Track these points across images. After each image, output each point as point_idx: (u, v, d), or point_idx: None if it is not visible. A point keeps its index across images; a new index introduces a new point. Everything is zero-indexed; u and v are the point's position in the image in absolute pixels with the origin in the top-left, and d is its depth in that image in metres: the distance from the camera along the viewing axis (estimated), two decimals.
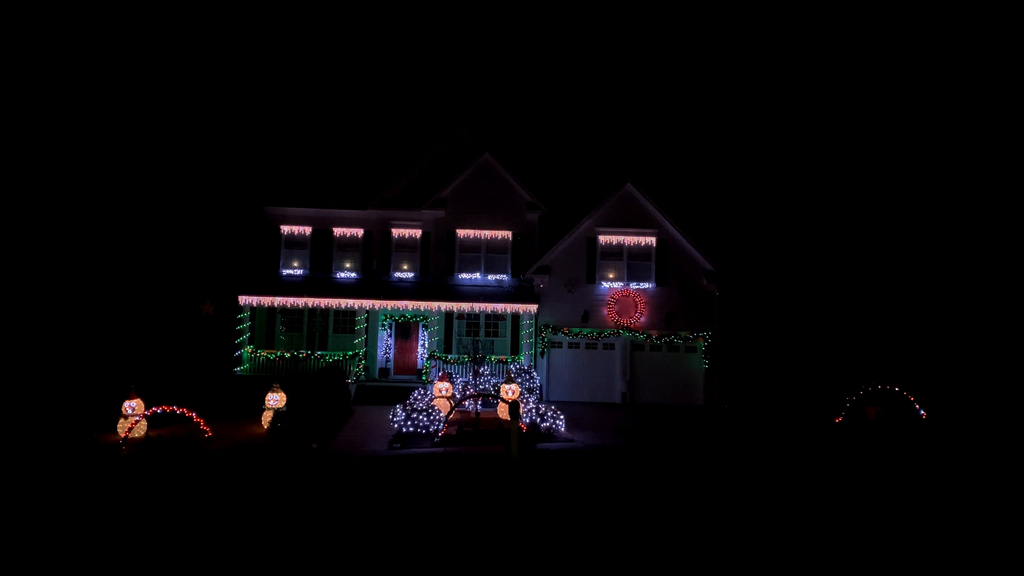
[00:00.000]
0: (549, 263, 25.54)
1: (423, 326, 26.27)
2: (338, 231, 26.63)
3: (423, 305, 24.49)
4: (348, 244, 26.72)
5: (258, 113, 43.93)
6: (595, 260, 25.65)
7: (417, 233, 26.59)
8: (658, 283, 25.63)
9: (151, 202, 35.08)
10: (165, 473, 14.09)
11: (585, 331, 25.37)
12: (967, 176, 40.40)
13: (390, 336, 26.36)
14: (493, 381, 22.81)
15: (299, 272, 26.32)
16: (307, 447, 16.80)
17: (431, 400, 20.14)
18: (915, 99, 47.90)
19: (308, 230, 26.55)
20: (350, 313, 25.68)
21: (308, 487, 13.25)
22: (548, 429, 18.73)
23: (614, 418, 22.07)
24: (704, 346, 25.54)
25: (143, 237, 33.81)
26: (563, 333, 25.38)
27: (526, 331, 25.12)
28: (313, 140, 32.34)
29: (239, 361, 24.32)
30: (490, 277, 26.24)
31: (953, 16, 50.90)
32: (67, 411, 19.93)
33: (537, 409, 19.02)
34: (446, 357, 24.87)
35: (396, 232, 26.61)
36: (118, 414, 17.71)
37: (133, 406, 17.44)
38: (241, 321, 24.45)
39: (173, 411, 16.31)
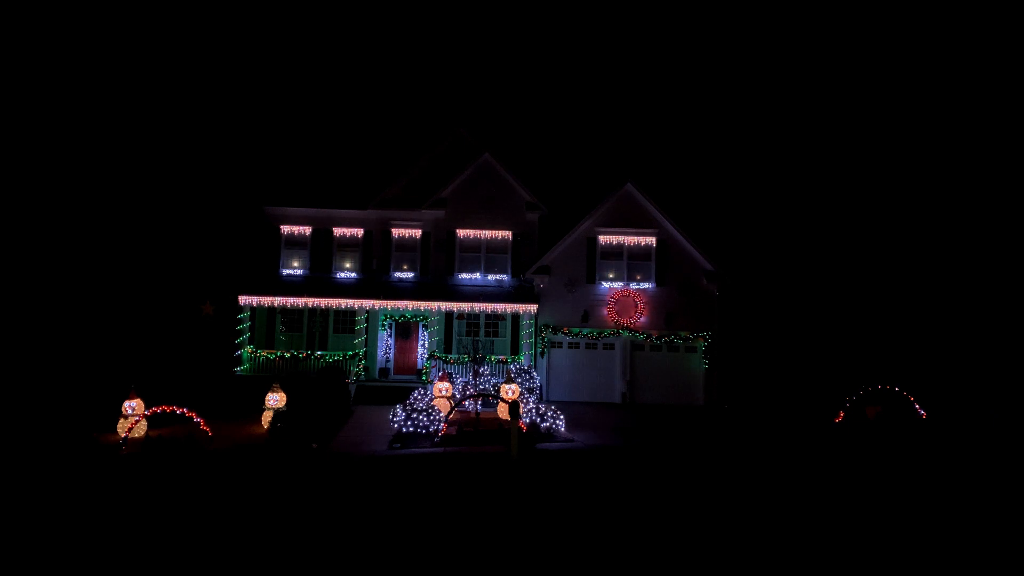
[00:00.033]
0: (549, 263, 25.55)
1: (423, 326, 26.27)
2: (338, 231, 26.63)
3: (423, 305, 24.49)
4: (348, 244, 26.72)
5: (258, 113, 43.94)
6: (595, 260, 25.66)
7: (417, 233, 26.59)
8: (658, 283, 25.63)
9: (151, 202, 35.09)
10: (165, 473, 14.09)
11: (585, 331, 25.38)
12: (967, 176, 40.42)
13: (390, 336, 26.36)
14: (493, 381, 22.81)
15: (299, 272, 26.32)
16: (307, 447, 16.80)
17: (431, 400, 20.15)
18: (915, 99, 47.91)
19: (308, 230, 26.55)
20: (350, 313, 25.68)
21: (308, 487, 13.25)
22: (548, 429, 18.73)
23: (614, 418, 22.07)
24: (704, 346, 25.55)
25: (143, 237, 33.82)
26: (563, 333, 25.39)
27: (526, 331, 25.12)
28: (313, 140, 32.35)
29: (239, 361, 24.32)
30: (490, 277, 26.24)
31: (953, 16, 50.91)
32: (67, 411, 19.93)
33: (537, 409, 19.02)
34: (446, 357, 24.87)
35: (396, 232, 26.62)
36: (118, 414, 17.71)
37: (133, 406, 17.44)
38: (241, 321, 24.45)
39: (173, 411, 16.31)
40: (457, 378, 23.49)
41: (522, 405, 18.97)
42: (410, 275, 26.48)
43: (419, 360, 26.22)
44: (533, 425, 18.53)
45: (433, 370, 24.31)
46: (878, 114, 48.08)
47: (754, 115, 50.81)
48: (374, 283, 25.78)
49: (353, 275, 26.38)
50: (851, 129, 46.46)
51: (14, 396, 21.61)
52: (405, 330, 26.46)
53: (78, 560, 9.31)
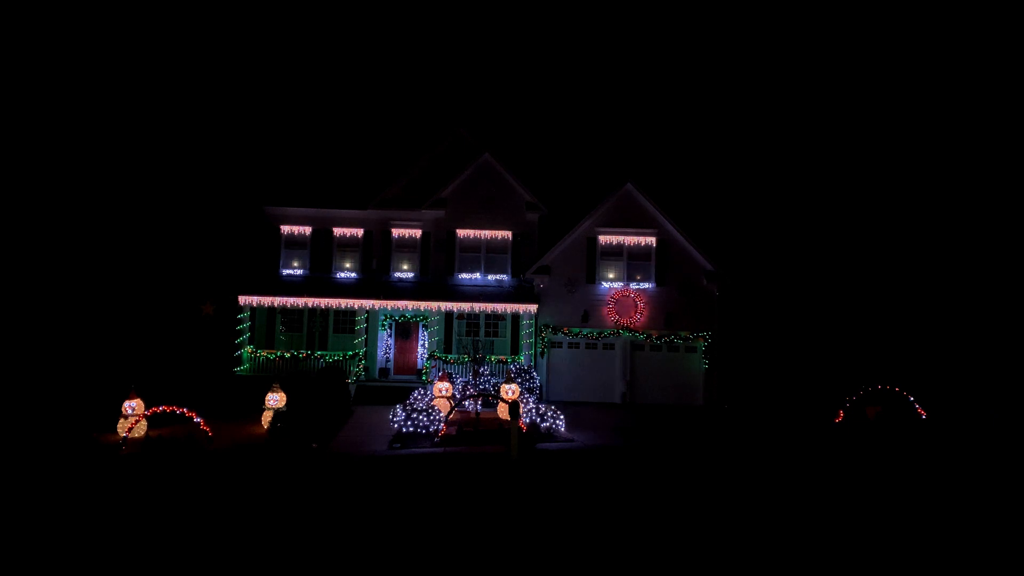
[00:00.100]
0: (549, 263, 25.55)
1: (423, 326, 26.27)
2: (338, 231, 26.63)
3: (423, 305, 24.49)
4: (348, 244, 26.72)
5: (258, 113, 43.93)
6: (595, 260, 25.66)
7: (417, 233, 26.59)
8: (658, 283, 25.63)
9: (151, 202, 35.08)
10: (165, 473, 14.10)
11: (585, 331, 25.37)
12: (967, 176, 40.41)
13: (390, 336, 26.36)
14: (493, 381, 22.82)
15: (299, 272, 26.32)
16: (307, 447, 16.80)
17: (431, 400, 20.15)
18: (915, 99, 47.91)
19: (308, 230, 26.55)
20: (350, 313, 25.68)
21: (308, 487, 13.25)
22: (548, 429, 18.73)
23: (614, 418, 22.07)
24: (704, 346, 25.54)
25: (144, 237, 33.81)
26: (563, 333, 25.38)
27: (526, 331, 25.12)
28: (313, 140, 32.33)
29: (239, 361, 24.32)
30: (490, 277, 26.24)
31: (953, 16, 50.90)
32: (67, 411, 19.93)
33: (537, 409, 19.03)
34: (446, 357, 24.87)
35: (396, 232, 26.62)
36: (118, 414, 17.72)
37: (133, 406, 17.45)
38: (241, 321, 24.46)
39: (173, 411, 16.32)
40: (457, 378, 23.49)
41: (522, 405, 18.98)
42: (410, 275, 26.48)
43: (419, 360, 26.22)
44: (533, 425, 18.54)
45: (433, 370, 24.31)
46: (878, 114, 48.09)
47: (754, 115, 50.81)
48: (374, 283, 25.78)
49: (353, 275, 26.38)
50: (851, 129, 46.46)
51: (15, 396, 21.60)
52: (405, 330, 26.46)
53: (78, 560, 9.31)
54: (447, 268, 26.26)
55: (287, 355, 24.41)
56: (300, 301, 24.22)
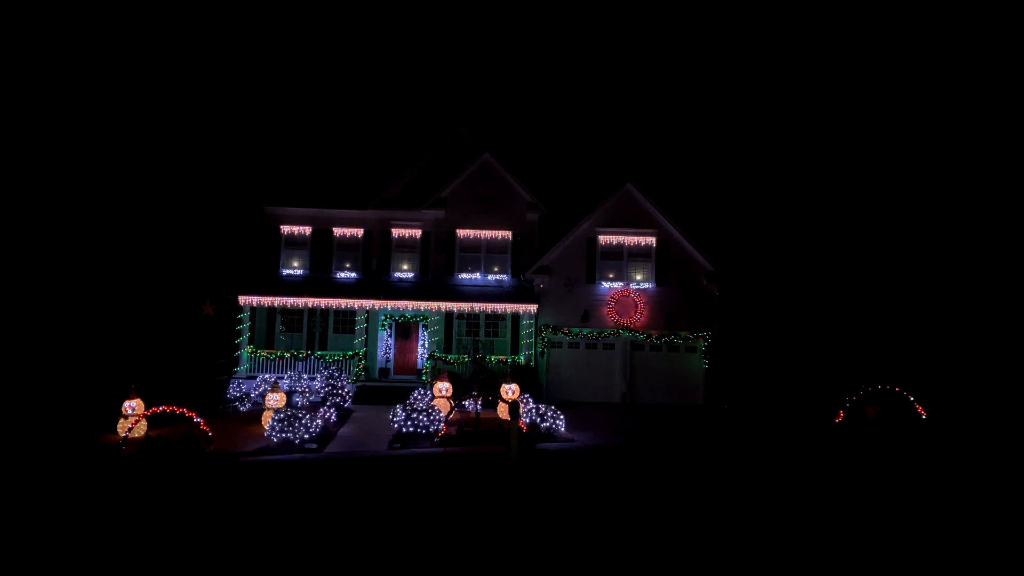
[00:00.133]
0: (549, 263, 25.55)
1: (423, 326, 26.27)
2: (338, 231, 26.64)
3: (423, 305, 24.49)
4: (348, 244, 26.72)
5: (258, 113, 43.93)
6: (595, 260, 25.66)
7: (417, 233, 26.60)
8: (658, 283, 25.64)
9: (151, 202, 35.08)
10: (165, 473, 14.10)
11: (585, 331, 25.38)
12: (966, 176, 40.41)
13: (390, 336, 26.36)
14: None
15: (299, 272, 26.33)
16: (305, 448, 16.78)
17: (431, 400, 20.13)
18: (914, 99, 47.91)
19: (308, 230, 26.56)
20: (350, 313, 25.68)
21: (308, 487, 13.25)
22: (548, 429, 18.74)
23: (614, 418, 22.07)
24: (704, 346, 25.55)
25: (144, 237, 33.81)
26: (563, 333, 25.38)
27: (526, 331, 25.12)
28: (313, 140, 32.34)
29: (239, 361, 24.32)
30: (490, 277, 26.25)
31: (953, 16, 50.90)
32: (67, 411, 19.92)
33: (537, 409, 19.03)
34: (446, 357, 24.87)
35: (396, 232, 26.63)
36: (118, 414, 17.71)
37: (133, 406, 17.44)
38: (241, 321, 24.46)
39: (173, 411, 16.32)
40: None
41: (522, 405, 18.98)
42: (410, 275, 26.48)
43: (419, 360, 26.22)
44: (533, 425, 18.54)
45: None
46: (878, 114, 48.09)
47: (753, 115, 50.82)
48: (374, 283, 25.78)
49: (353, 275, 26.38)
50: (850, 129, 46.47)
51: (15, 396, 21.60)
52: (405, 330, 26.46)
53: (78, 560, 9.31)
54: (447, 268, 26.27)
55: (287, 355, 24.41)
56: (300, 301, 24.22)
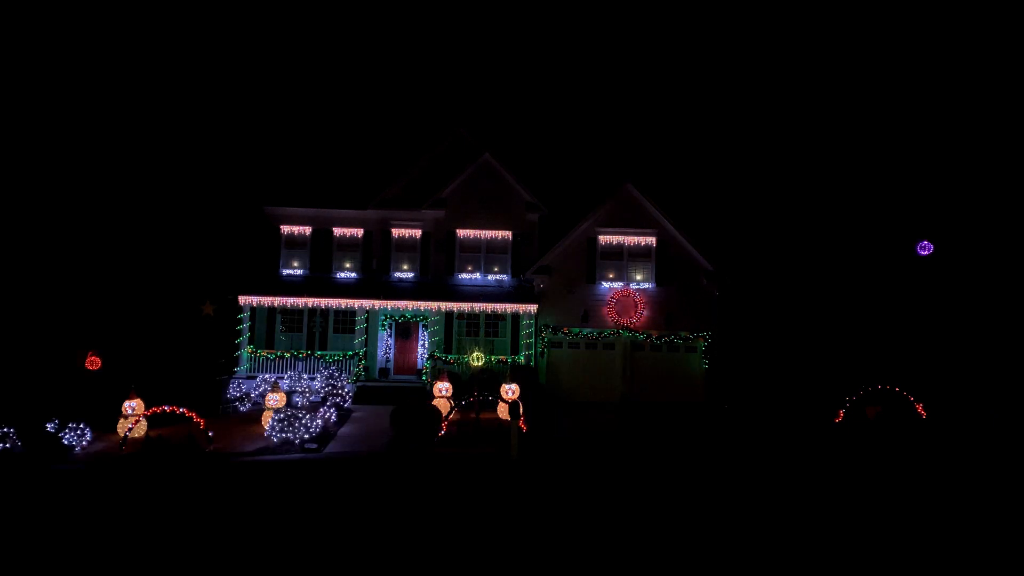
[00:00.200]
0: (549, 263, 25.55)
1: (423, 326, 26.27)
2: (338, 231, 26.64)
3: (423, 305, 24.49)
4: (348, 244, 26.72)
5: (258, 113, 43.93)
6: (595, 260, 25.66)
7: (417, 233, 26.60)
8: (658, 283, 25.64)
9: (151, 202, 35.06)
10: (165, 473, 14.10)
11: (585, 331, 25.38)
12: (966, 176, 40.41)
13: (390, 336, 26.36)
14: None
15: (299, 272, 26.32)
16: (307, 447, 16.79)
17: (431, 400, 20.11)
18: (914, 99, 47.93)
19: (308, 230, 26.56)
20: (350, 313, 25.68)
21: (308, 487, 13.25)
22: (548, 429, 18.72)
23: (614, 418, 22.08)
24: (704, 346, 25.55)
25: (143, 237, 33.79)
26: (563, 333, 25.38)
27: (526, 331, 25.12)
28: (313, 140, 32.32)
29: (239, 361, 24.31)
30: (490, 277, 26.25)
31: (953, 16, 50.93)
32: (67, 411, 19.90)
33: (537, 409, 19.01)
34: (446, 357, 24.87)
35: (396, 232, 26.62)
36: (118, 414, 17.72)
37: (133, 406, 17.45)
38: (241, 321, 24.45)
39: (173, 411, 16.32)
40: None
41: (522, 405, 18.95)
42: (410, 275, 26.48)
43: (419, 360, 26.22)
44: (533, 425, 18.53)
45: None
46: (877, 114, 48.10)
47: (753, 115, 50.83)
48: (374, 283, 25.78)
49: (353, 275, 26.38)
50: (850, 129, 46.47)
51: (15, 396, 21.59)
52: (405, 330, 26.46)
53: (78, 560, 9.31)
54: (447, 268, 26.27)
55: (287, 355, 24.40)
56: (300, 301, 24.22)
